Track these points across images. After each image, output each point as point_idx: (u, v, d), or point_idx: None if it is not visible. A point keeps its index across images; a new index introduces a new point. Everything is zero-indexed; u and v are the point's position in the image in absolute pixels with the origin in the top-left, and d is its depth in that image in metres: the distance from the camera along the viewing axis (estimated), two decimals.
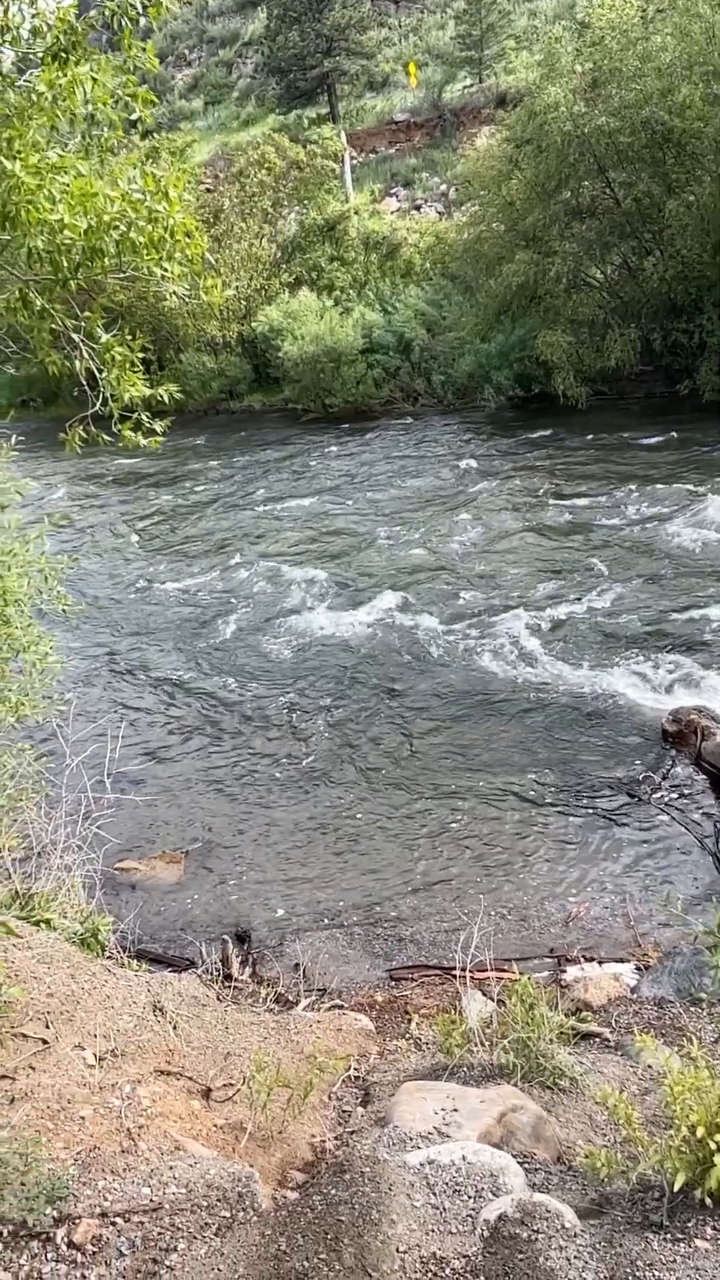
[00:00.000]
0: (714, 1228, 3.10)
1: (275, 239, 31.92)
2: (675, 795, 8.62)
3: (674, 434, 19.63)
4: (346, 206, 32.35)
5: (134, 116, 4.83)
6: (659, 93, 19.85)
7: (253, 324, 30.12)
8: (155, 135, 33.44)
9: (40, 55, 4.46)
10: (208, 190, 30.90)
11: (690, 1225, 3.13)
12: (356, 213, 32.33)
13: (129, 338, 5.38)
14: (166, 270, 4.83)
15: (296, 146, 32.16)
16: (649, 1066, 4.86)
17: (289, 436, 26.29)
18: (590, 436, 20.78)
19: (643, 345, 22.34)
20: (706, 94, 19.06)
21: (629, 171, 21.67)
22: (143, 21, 4.56)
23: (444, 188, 36.97)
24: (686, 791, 8.65)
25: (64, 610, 7.52)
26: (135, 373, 5.33)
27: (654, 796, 8.62)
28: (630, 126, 20.38)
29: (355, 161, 39.31)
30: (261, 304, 30.38)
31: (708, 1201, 3.11)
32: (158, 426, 5.69)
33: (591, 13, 21.57)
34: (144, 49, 4.61)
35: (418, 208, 36.88)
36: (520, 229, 23.35)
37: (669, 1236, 3.11)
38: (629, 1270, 2.96)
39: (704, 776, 8.76)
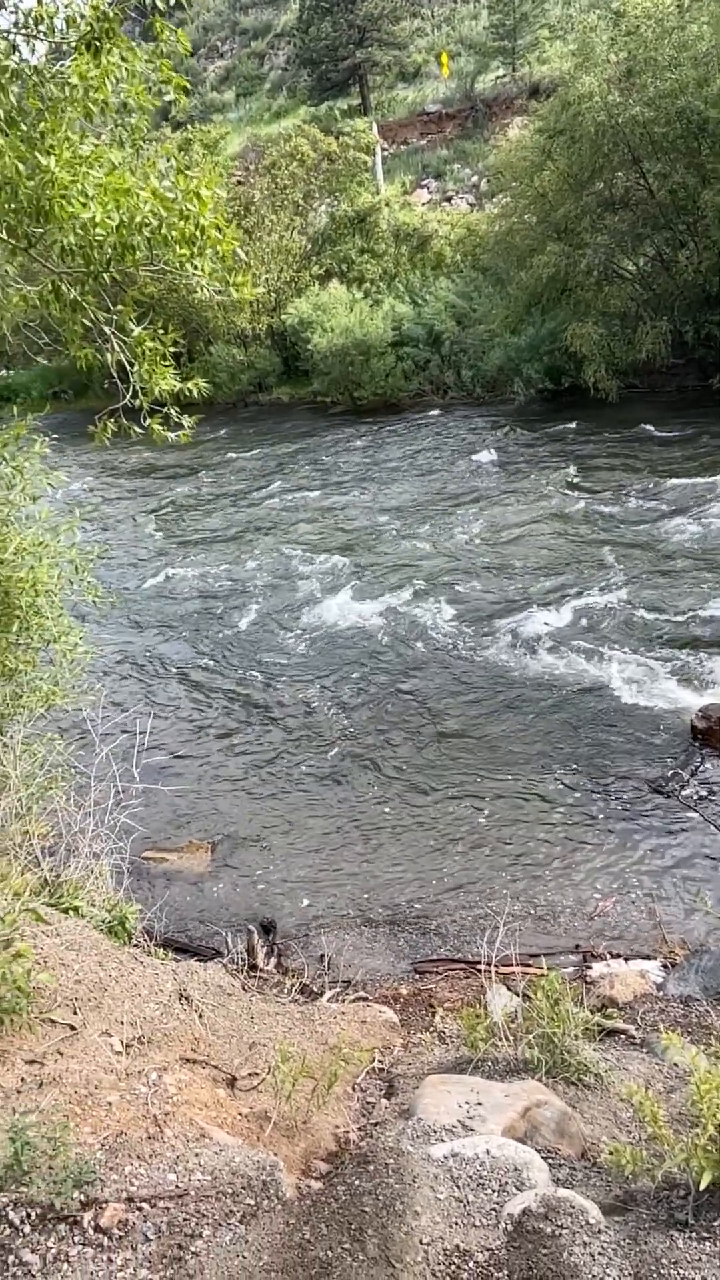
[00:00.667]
0: None
1: (306, 231, 31.88)
2: (705, 793, 8.55)
3: (707, 428, 19.42)
4: (377, 198, 32.24)
5: (168, 98, 4.84)
6: (695, 82, 19.60)
7: (282, 316, 30.13)
8: (188, 127, 33.51)
9: (74, 45, 4.47)
10: (239, 183, 30.90)
11: (716, 1224, 3.12)
12: (387, 204, 32.22)
13: (161, 332, 5.40)
14: (198, 267, 4.85)
15: (329, 138, 32.08)
16: (675, 1064, 4.83)
17: (317, 429, 26.29)
18: (620, 430, 20.61)
19: (674, 338, 22.10)
20: None
21: (664, 162, 21.41)
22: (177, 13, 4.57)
23: (475, 179, 36.74)
24: (715, 789, 8.57)
25: (94, 601, 7.58)
26: (166, 366, 5.35)
27: (682, 794, 8.55)
28: (665, 116, 20.15)
29: (386, 153, 39.15)
30: (291, 296, 30.38)
31: None
32: (186, 421, 5.72)
33: (626, 2, 21.31)
34: (175, 32, 4.62)
35: (449, 199, 36.69)
36: (552, 220, 23.18)
37: (694, 1235, 3.10)
38: (654, 1268, 2.95)
39: None
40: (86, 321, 5.26)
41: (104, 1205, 3.24)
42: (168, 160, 4.82)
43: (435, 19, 50.77)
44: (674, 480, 16.69)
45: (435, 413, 25.77)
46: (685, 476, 16.78)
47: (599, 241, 22.00)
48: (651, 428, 20.31)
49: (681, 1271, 2.90)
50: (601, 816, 8.41)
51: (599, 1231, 3.10)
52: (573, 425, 21.70)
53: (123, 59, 4.51)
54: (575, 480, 17.79)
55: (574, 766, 9.16)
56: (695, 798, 8.48)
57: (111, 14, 4.39)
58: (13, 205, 4.54)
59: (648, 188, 21.96)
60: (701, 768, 8.86)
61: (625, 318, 22.52)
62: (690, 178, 20.92)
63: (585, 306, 22.99)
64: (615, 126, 20.78)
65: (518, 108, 37.85)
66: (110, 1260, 3.03)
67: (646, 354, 21.73)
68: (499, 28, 41.22)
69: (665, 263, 22.65)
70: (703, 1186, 3.14)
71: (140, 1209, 3.27)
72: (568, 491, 17.24)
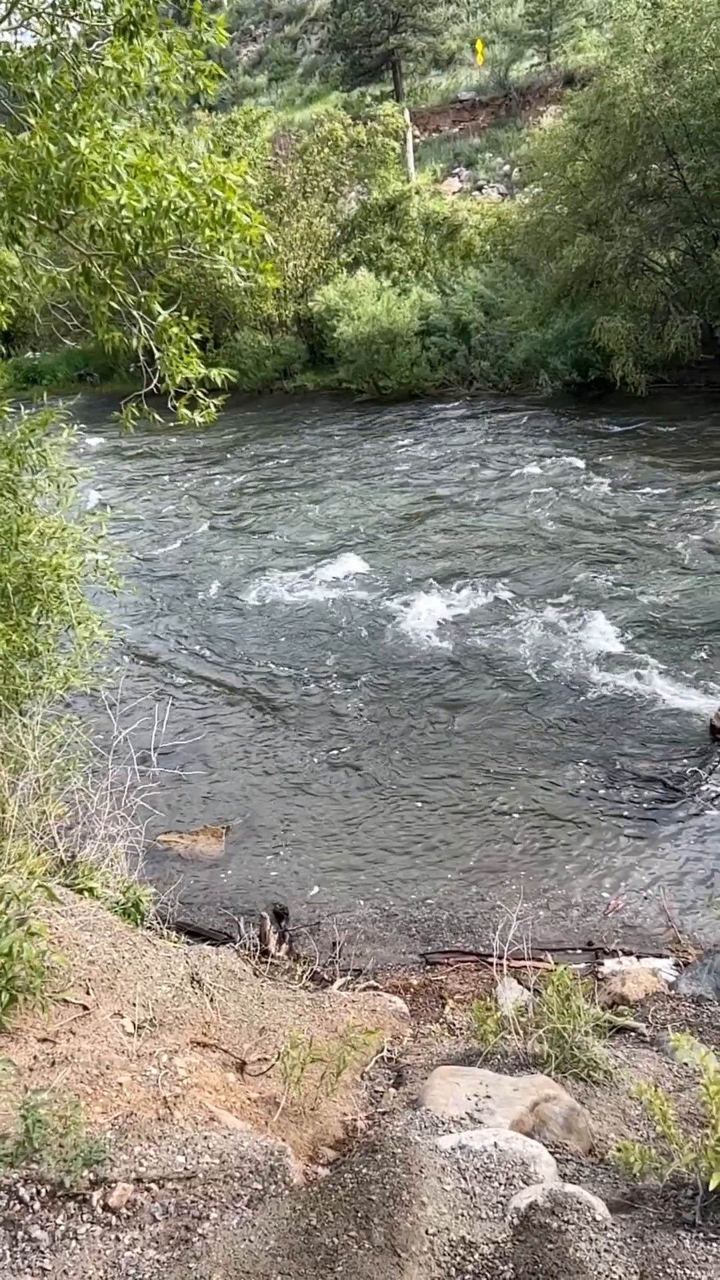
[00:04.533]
0: None
1: (335, 218, 31.74)
2: None
3: None
4: (408, 186, 32.05)
5: (200, 88, 4.83)
6: None
7: (309, 303, 30.02)
8: (216, 111, 33.40)
9: (109, 28, 4.46)
10: (269, 168, 30.77)
11: None
12: (418, 192, 32.02)
13: (186, 318, 5.40)
14: (224, 253, 4.84)
15: (358, 125, 31.88)
16: (685, 1064, 4.82)
17: (342, 418, 26.23)
18: (649, 426, 20.44)
19: (705, 333, 21.88)
20: None
21: (699, 155, 21.16)
22: None
23: (507, 169, 36.47)
24: None
25: (114, 591, 7.63)
26: (192, 353, 5.35)
27: (700, 792, 8.51)
28: (702, 108, 19.92)
29: (418, 141, 38.93)
30: (319, 283, 30.25)
31: None
32: (213, 402, 5.71)
33: None
34: (213, 23, 4.60)
35: (480, 189, 36.45)
36: (583, 212, 22.97)
37: (701, 1235, 3.09)
38: (659, 1266, 2.95)
39: None
40: (115, 304, 5.27)
41: (113, 1185, 3.26)
42: (206, 145, 4.81)
43: (470, 5, 50.37)
44: (699, 478, 16.55)
45: (460, 404, 25.64)
46: (712, 476, 16.63)
47: (628, 234, 21.79)
48: (681, 423, 20.13)
49: (688, 1271, 2.89)
50: (616, 813, 8.38)
51: (605, 1228, 3.10)
52: (601, 419, 21.55)
53: (158, 46, 4.49)
54: (600, 475, 17.67)
55: (589, 763, 9.12)
56: (712, 797, 8.44)
57: None
58: (44, 186, 4.54)
59: (681, 180, 21.71)
60: (719, 767, 8.80)
61: (654, 312, 22.30)
62: None
63: (614, 300, 22.78)
64: (650, 118, 20.56)
65: (552, 96, 37.54)
66: (118, 1239, 3.06)
67: (675, 348, 21.51)
68: (535, 15, 40.85)
69: (697, 257, 22.41)
70: (711, 1187, 3.12)
71: (149, 1190, 3.29)
72: (590, 486, 17.13)
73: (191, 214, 4.62)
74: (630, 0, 22.43)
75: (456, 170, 38.53)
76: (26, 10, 4.88)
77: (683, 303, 22.16)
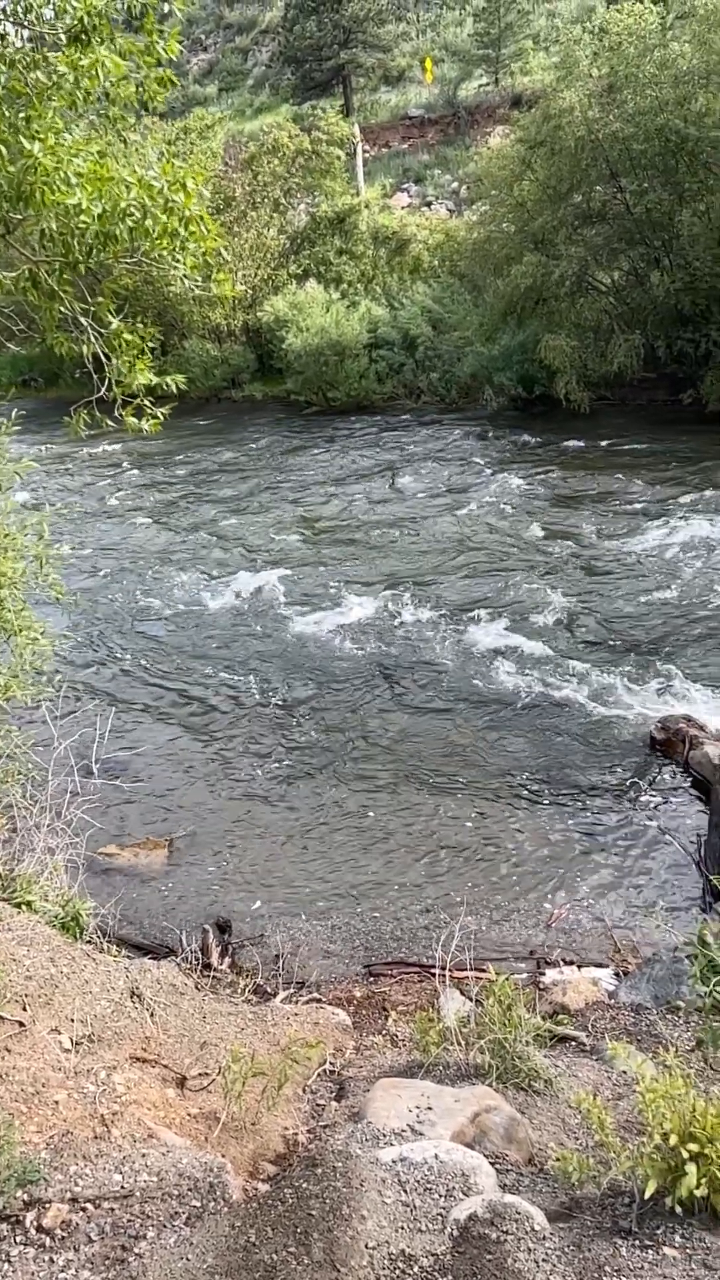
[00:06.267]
0: (683, 1236, 3.11)
1: (285, 230, 31.80)
2: (661, 802, 8.65)
3: (675, 444, 19.64)
4: (357, 200, 32.24)
5: (163, 93, 4.81)
6: (675, 101, 19.82)
7: (258, 313, 30.02)
8: (166, 119, 33.26)
9: (61, 36, 4.43)
10: (219, 177, 30.72)
11: (659, 1233, 3.15)
12: (367, 206, 32.22)
13: (139, 325, 5.36)
14: (180, 260, 4.82)
15: (301, 135, 31.98)
16: (623, 1072, 4.88)
17: (290, 428, 26.23)
18: (590, 442, 20.79)
19: (647, 352, 22.33)
20: None
21: (641, 179, 21.64)
22: (165, 6, 4.56)
23: (455, 185, 36.91)
24: (672, 799, 8.68)
25: (57, 598, 7.51)
26: (144, 360, 5.31)
27: (640, 803, 8.65)
28: (644, 133, 20.37)
29: (368, 155, 39.19)
30: (268, 294, 30.28)
31: (678, 1210, 3.12)
32: (160, 411, 5.67)
33: (609, 18, 21.52)
34: (164, 33, 4.59)
35: (429, 204, 36.81)
36: (529, 231, 23.33)
37: (638, 1243, 3.13)
38: (596, 1275, 2.98)
39: (690, 785, 8.80)
40: (64, 310, 5.21)
41: (47, 1205, 3.20)
42: (159, 152, 4.79)
43: (420, 24, 50.98)
44: (643, 496, 16.88)
45: (407, 416, 25.83)
46: (651, 491, 16.97)
47: (574, 254, 22.18)
48: (621, 441, 20.51)
49: (624, 1279, 2.93)
50: (559, 824, 8.47)
51: (544, 1238, 3.12)
52: (544, 436, 21.86)
53: (111, 53, 4.47)
54: (542, 490, 17.93)
55: (533, 774, 9.22)
56: (652, 807, 8.58)
57: (102, 7, 4.35)
58: None
59: (625, 203, 22.17)
60: (659, 778, 8.96)
61: (598, 330, 22.71)
62: (667, 196, 21.16)
63: (559, 318, 23.15)
64: (595, 141, 20.98)
65: (499, 117, 38.10)
66: (52, 1261, 3.00)
67: (618, 367, 21.92)
68: (483, 36, 41.47)
69: (640, 277, 22.89)
70: (647, 1195, 3.17)
71: (84, 1209, 3.24)
72: (533, 501, 17.36)
73: (149, 219, 4.58)
74: (576, 25, 22.88)
75: (406, 185, 38.87)
76: None
77: (626, 322, 22.60)
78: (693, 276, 21.24)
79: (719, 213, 20.07)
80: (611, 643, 11.60)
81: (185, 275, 5.00)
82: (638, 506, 16.28)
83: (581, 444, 20.74)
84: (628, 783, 8.93)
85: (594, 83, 21.29)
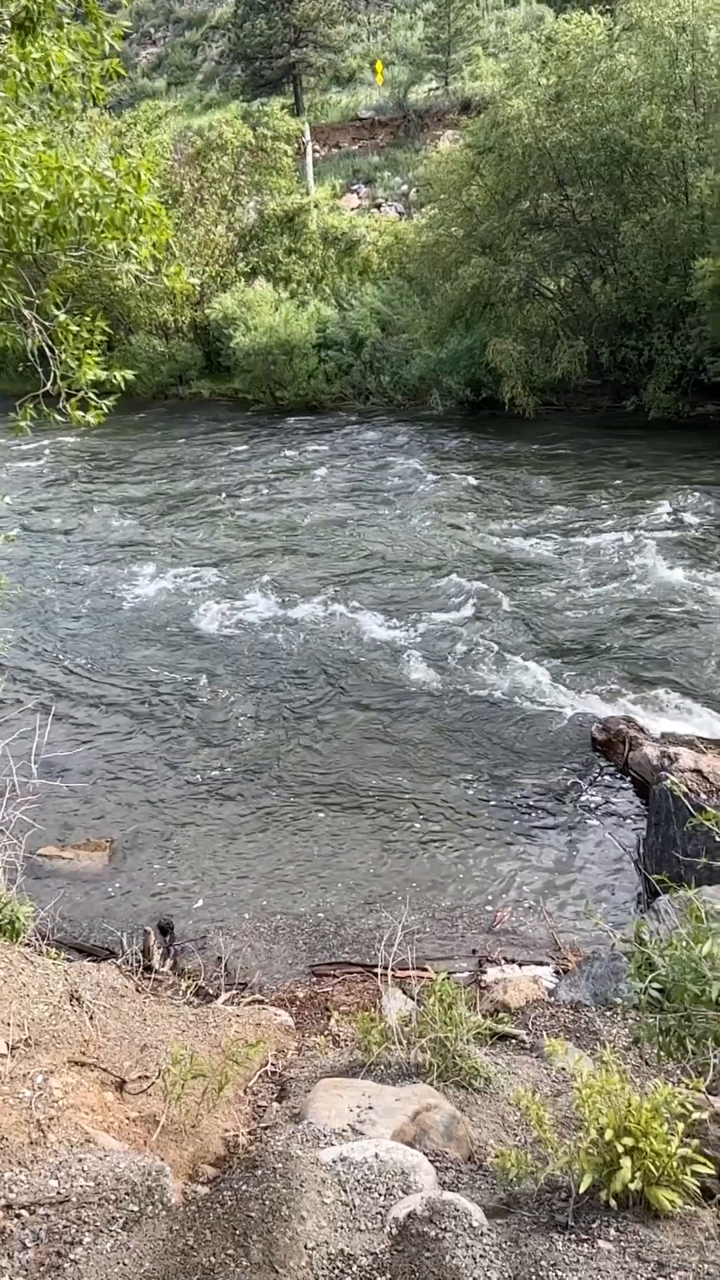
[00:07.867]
0: (617, 1229, 3.15)
1: (233, 227, 31.62)
2: (602, 802, 8.78)
3: (616, 450, 19.95)
4: (306, 199, 32.19)
5: (106, 89, 4.74)
6: (620, 111, 20.13)
7: (206, 311, 29.81)
8: (114, 112, 32.85)
9: (6, 21, 4.35)
10: (167, 171, 30.43)
11: (594, 1226, 3.19)
12: (316, 206, 32.19)
13: (87, 319, 5.28)
14: (133, 251, 4.76)
15: (247, 130, 31.82)
16: (562, 1069, 4.94)
17: (235, 427, 26.09)
18: (534, 446, 21.03)
19: (591, 359, 22.66)
20: (668, 116, 19.36)
21: (587, 187, 21.95)
22: None
23: (405, 188, 37.04)
24: (613, 799, 8.81)
25: None
26: (92, 354, 5.24)
27: (581, 803, 8.76)
28: (590, 143, 20.66)
29: (318, 155, 39.15)
30: (216, 291, 30.08)
31: (612, 1203, 3.16)
32: (104, 404, 5.60)
33: (557, 27, 21.79)
34: (110, 24, 4.53)
35: (378, 206, 36.88)
36: (477, 235, 23.54)
37: (573, 1237, 3.16)
38: (532, 1270, 3.00)
39: (630, 785, 8.94)
40: (8, 301, 5.11)
41: None
42: (108, 144, 4.73)
43: (371, 26, 51.06)
44: (583, 498, 17.10)
45: (354, 417, 25.88)
46: (592, 494, 17.21)
47: (521, 259, 22.41)
48: (564, 445, 20.77)
49: (559, 1273, 2.96)
50: (503, 824, 8.55)
51: (481, 1234, 3.14)
52: (489, 438, 22.06)
53: (56, 41, 4.40)
54: (485, 493, 18.07)
55: (477, 775, 9.29)
56: (593, 807, 8.70)
57: None
58: None
59: (571, 211, 22.47)
60: (600, 778, 9.09)
61: (544, 336, 23.00)
62: (612, 205, 21.49)
63: (507, 322, 23.39)
64: (542, 149, 21.23)
65: (449, 121, 38.33)
66: None
67: (563, 372, 22.22)
68: (434, 40, 41.72)
69: (585, 284, 23.22)
70: (583, 1189, 3.20)
71: (19, 1216, 3.18)
72: (476, 504, 17.50)
73: (99, 210, 4.51)
74: (525, 33, 23.13)
75: (356, 186, 38.91)
76: None
77: (571, 328, 22.91)
78: (635, 286, 21.61)
79: (661, 224, 20.43)
80: (553, 645, 11.73)
81: (137, 266, 4.94)
82: (576, 511, 16.50)
83: (524, 448, 20.96)
84: (569, 783, 9.04)
85: (542, 91, 21.54)
